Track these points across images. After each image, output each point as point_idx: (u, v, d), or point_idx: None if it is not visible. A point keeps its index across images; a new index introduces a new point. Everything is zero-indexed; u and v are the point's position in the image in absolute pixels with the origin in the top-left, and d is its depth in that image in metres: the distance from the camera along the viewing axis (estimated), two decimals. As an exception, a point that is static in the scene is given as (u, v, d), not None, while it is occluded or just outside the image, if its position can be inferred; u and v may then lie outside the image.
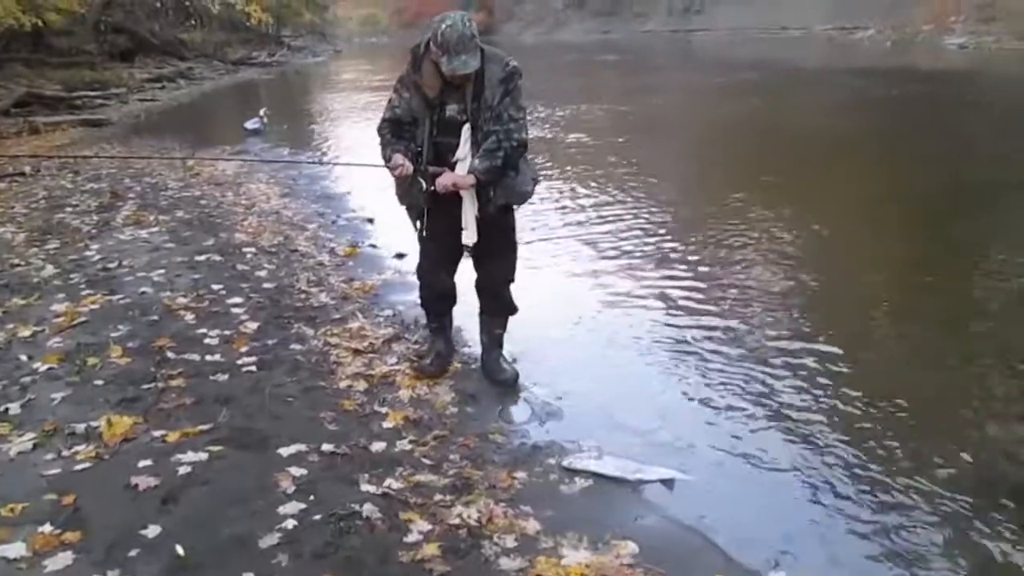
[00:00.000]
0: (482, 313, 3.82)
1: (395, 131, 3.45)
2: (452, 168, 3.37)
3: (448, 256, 3.67)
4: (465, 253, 3.69)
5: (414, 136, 3.42)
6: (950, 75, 20.48)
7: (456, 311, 3.95)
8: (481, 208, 3.42)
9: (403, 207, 3.64)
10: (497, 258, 3.64)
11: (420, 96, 3.32)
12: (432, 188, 3.39)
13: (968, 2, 32.83)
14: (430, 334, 3.97)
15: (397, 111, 3.42)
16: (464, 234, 3.46)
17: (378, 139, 3.53)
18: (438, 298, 3.82)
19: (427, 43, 3.20)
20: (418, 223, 3.61)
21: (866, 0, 38.67)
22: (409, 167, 3.38)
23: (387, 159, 3.44)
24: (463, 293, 3.85)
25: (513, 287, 3.75)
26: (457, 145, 3.34)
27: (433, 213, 3.50)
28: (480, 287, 3.74)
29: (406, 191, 3.52)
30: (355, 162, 3.59)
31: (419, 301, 3.95)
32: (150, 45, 30.11)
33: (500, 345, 3.83)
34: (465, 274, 3.78)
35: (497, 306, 3.77)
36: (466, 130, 3.32)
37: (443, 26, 3.08)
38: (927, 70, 21.98)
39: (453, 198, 3.39)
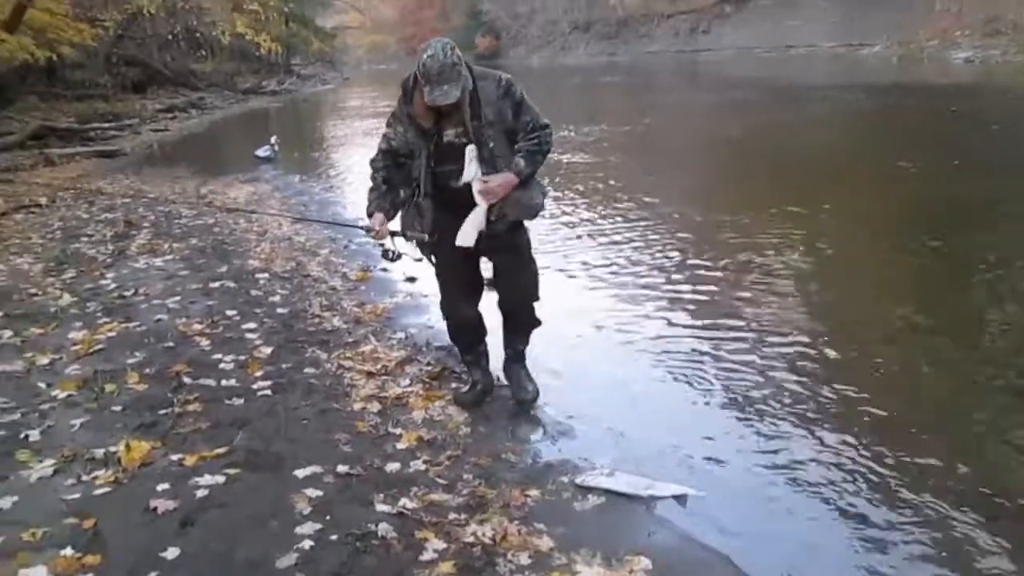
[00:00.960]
0: (505, 332, 3.77)
1: (390, 164, 3.43)
2: (460, 192, 3.32)
3: (466, 288, 3.64)
4: (486, 284, 3.70)
5: (411, 169, 3.40)
6: (956, 89, 20.49)
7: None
8: (489, 226, 3.38)
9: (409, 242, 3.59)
10: (517, 278, 3.59)
11: (415, 128, 3.30)
12: (399, 255, 3.51)
13: (973, 16, 32.93)
14: (466, 366, 3.92)
15: (393, 143, 3.40)
16: (460, 235, 3.37)
17: (370, 171, 3.50)
18: (463, 331, 3.78)
19: (415, 74, 3.17)
20: (432, 257, 3.60)
21: (871, 17, 38.81)
22: (385, 232, 3.42)
23: (368, 212, 3.45)
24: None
25: (537, 305, 3.70)
26: (458, 170, 3.31)
27: (442, 248, 3.49)
28: (503, 306, 3.68)
29: (409, 225, 3.49)
30: (395, 230, 3.57)
31: (451, 342, 3.95)
32: (162, 76, 30.51)
33: (523, 359, 3.79)
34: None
35: (518, 324, 3.72)
36: (470, 150, 3.28)
37: (424, 56, 3.06)
38: (933, 85, 22.02)
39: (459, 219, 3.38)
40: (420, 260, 3.62)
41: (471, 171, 3.30)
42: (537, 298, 3.66)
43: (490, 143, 3.28)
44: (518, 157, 3.31)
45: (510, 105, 3.29)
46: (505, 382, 3.87)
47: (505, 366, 3.82)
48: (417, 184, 3.39)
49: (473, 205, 3.33)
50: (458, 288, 3.64)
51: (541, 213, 3.58)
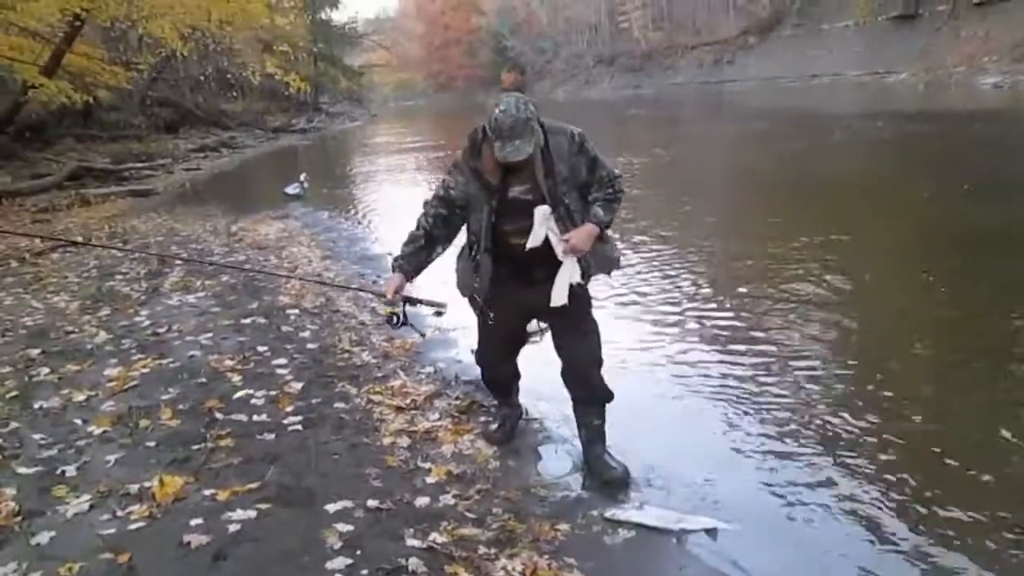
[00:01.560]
0: (575, 405, 3.51)
1: (442, 213, 3.30)
2: (520, 248, 3.16)
3: (509, 346, 3.60)
4: (529, 340, 3.62)
5: (467, 221, 3.29)
6: (985, 115, 20.33)
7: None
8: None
9: (464, 297, 3.47)
10: (578, 337, 3.39)
11: (480, 182, 3.18)
12: (404, 322, 3.43)
13: (1001, 41, 32.78)
14: (496, 405, 3.92)
15: (452, 192, 3.25)
16: (555, 294, 3.19)
17: (420, 213, 3.36)
18: (498, 382, 3.78)
19: (484, 128, 3.08)
20: (480, 312, 3.47)
21: (896, 44, 38.84)
22: (398, 298, 3.34)
23: (392, 266, 3.37)
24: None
25: (604, 371, 3.47)
26: (524, 228, 3.12)
27: (495, 304, 3.36)
28: (567, 374, 3.46)
29: (467, 283, 3.39)
30: (409, 296, 3.56)
31: (481, 381, 3.91)
32: (194, 116, 31.18)
33: (603, 439, 3.49)
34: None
35: (588, 393, 3.45)
36: (542, 211, 3.09)
37: (497, 111, 2.95)
38: (959, 111, 21.86)
39: (519, 282, 3.29)
40: (424, 335, 3.74)
41: (540, 234, 3.11)
42: (601, 360, 3.45)
43: (566, 199, 3.16)
44: (596, 207, 3.21)
45: (585, 161, 3.19)
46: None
47: (584, 449, 3.52)
48: (476, 240, 3.28)
49: (534, 261, 3.20)
50: (502, 346, 3.58)
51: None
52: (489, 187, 3.16)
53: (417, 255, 3.36)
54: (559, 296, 3.18)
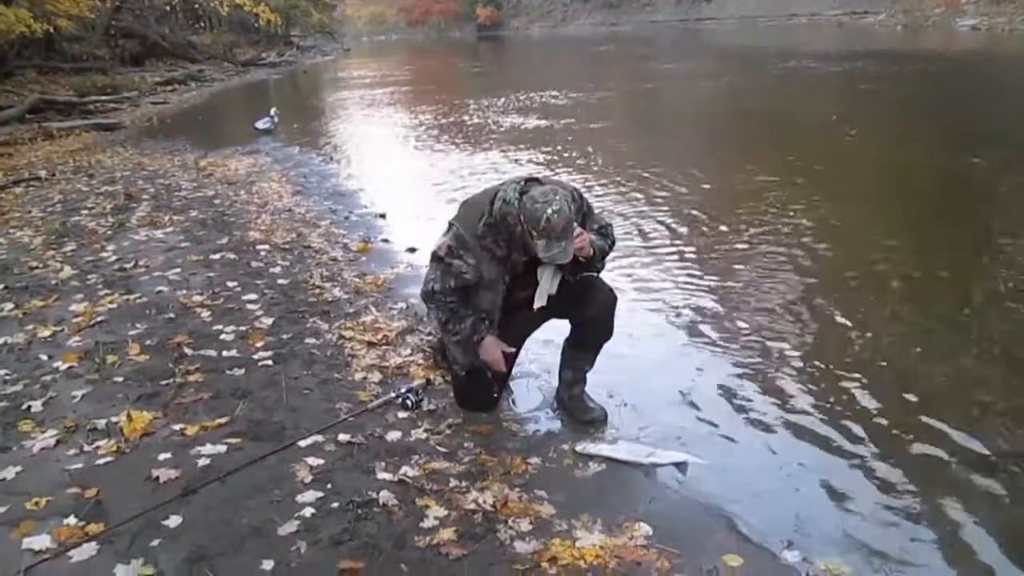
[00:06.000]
0: (574, 352, 3.42)
1: (462, 297, 3.15)
2: (520, 303, 3.20)
3: (498, 388, 3.45)
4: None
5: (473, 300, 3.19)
6: (962, 57, 20.28)
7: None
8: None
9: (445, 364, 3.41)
10: (598, 282, 3.31)
11: (504, 267, 3.09)
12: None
13: (979, -17, 32.56)
14: None
15: (467, 276, 3.08)
16: (537, 297, 3.14)
17: (438, 303, 3.16)
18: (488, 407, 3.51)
19: (519, 217, 2.90)
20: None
21: (876, -16, 38.42)
22: (510, 353, 3.26)
23: (479, 336, 3.16)
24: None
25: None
26: (527, 286, 3.14)
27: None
28: (593, 321, 3.31)
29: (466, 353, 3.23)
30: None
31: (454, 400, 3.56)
32: (161, 48, 30.37)
33: (585, 382, 3.46)
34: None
35: (607, 334, 3.36)
36: (546, 271, 3.08)
37: (549, 211, 2.78)
38: (938, 53, 21.79)
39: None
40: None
41: (546, 281, 3.10)
42: (617, 297, 3.36)
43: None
44: (592, 234, 3.14)
45: (580, 218, 3.13)
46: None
47: (563, 387, 3.47)
48: (485, 317, 3.17)
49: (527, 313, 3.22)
50: (492, 389, 3.43)
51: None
52: (514, 269, 3.12)
53: (475, 315, 3.18)
54: (541, 300, 3.15)
